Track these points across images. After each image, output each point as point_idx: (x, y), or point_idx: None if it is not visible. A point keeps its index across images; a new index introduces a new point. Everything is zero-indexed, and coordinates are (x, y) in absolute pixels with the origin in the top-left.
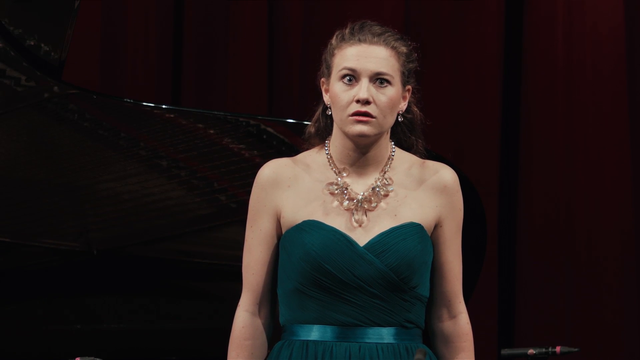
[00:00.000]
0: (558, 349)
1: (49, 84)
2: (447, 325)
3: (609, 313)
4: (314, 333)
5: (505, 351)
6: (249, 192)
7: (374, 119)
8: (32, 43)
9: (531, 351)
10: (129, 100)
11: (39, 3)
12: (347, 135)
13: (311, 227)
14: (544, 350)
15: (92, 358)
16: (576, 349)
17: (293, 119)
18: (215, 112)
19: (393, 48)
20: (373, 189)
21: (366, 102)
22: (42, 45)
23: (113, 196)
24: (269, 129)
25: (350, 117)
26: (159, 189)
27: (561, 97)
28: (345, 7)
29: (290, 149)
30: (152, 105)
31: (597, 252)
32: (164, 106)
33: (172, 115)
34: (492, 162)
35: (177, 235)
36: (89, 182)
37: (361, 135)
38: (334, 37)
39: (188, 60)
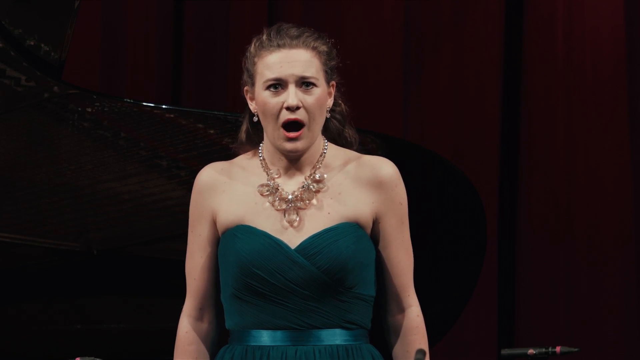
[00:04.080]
0: (558, 349)
1: (49, 84)
2: (397, 319)
3: (609, 313)
4: (254, 338)
5: (505, 351)
6: None
7: (304, 129)
8: (32, 43)
9: (531, 351)
10: (129, 100)
11: (39, 3)
12: (279, 149)
13: (242, 232)
14: (544, 350)
15: (92, 358)
16: (576, 349)
17: None
18: (215, 112)
19: (314, 48)
20: (304, 186)
21: (296, 108)
22: (42, 45)
23: (113, 196)
24: None
25: (282, 132)
26: (159, 189)
27: (561, 98)
28: (345, 7)
29: None
30: (152, 105)
31: (597, 252)
32: (164, 106)
33: (172, 115)
34: (492, 163)
35: (177, 235)
36: (89, 182)
37: (295, 151)
38: (252, 45)
39: (188, 60)
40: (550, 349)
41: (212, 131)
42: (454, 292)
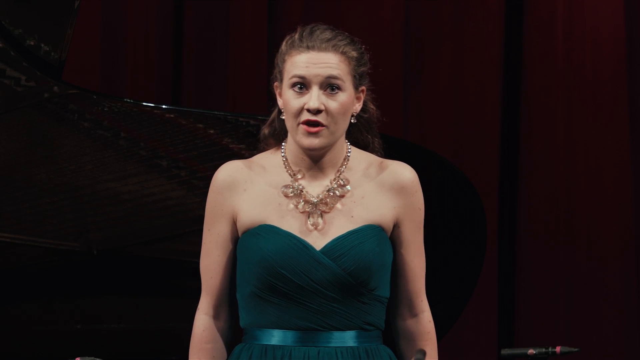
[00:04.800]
0: (558, 349)
1: (49, 84)
2: (409, 323)
3: (609, 313)
4: (273, 337)
5: (505, 351)
6: None
7: (324, 128)
8: (32, 43)
9: (531, 351)
10: (129, 100)
11: (39, 3)
12: (298, 144)
13: (266, 231)
14: (544, 350)
15: (92, 358)
16: (576, 349)
17: None
18: (215, 112)
19: (343, 53)
20: (328, 190)
21: (317, 112)
22: (42, 45)
23: (113, 196)
24: None
25: (301, 126)
26: (159, 189)
27: (561, 98)
28: (345, 7)
29: None
30: (152, 105)
31: (597, 252)
32: (164, 106)
33: (172, 115)
34: (492, 163)
35: (177, 235)
36: (89, 182)
37: (312, 149)
38: (284, 42)
39: (188, 60)
40: (550, 349)
41: (212, 131)
42: (454, 292)
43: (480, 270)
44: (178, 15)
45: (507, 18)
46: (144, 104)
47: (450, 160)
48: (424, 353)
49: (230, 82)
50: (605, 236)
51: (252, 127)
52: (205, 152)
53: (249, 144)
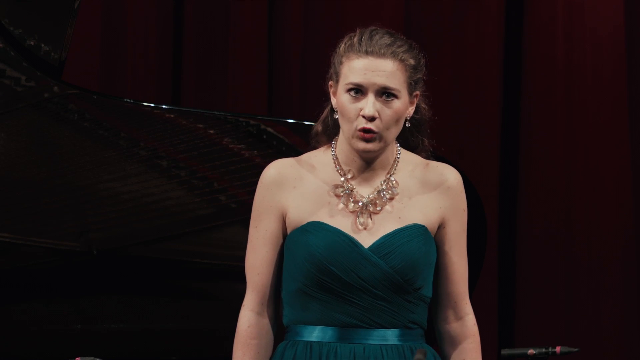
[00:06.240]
0: (558, 349)
1: (49, 84)
2: (453, 326)
3: (609, 313)
4: (317, 334)
5: (505, 351)
6: (249, 192)
7: (377, 134)
8: (32, 43)
9: (531, 351)
10: (129, 100)
11: (39, 3)
12: (352, 147)
13: (316, 228)
14: (544, 350)
15: (92, 358)
16: (576, 349)
17: (293, 119)
18: (215, 112)
19: (401, 61)
20: (379, 192)
21: (371, 119)
22: (42, 45)
23: (113, 196)
24: (269, 129)
25: (357, 132)
26: (159, 189)
27: (561, 98)
28: (345, 7)
29: (291, 149)
30: (152, 105)
31: (597, 252)
32: (164, 106)
33: (172, 115)
34: (492, 163)
35: (177, 235)
36: (89, 182)
37: (366, 152)
38: (343, 44)
39: (188, 60)
40: (550, 349)
41: (212, 131)
42: None
43: (480, 270)
44: (178, 15)
45: (508, 18)
46: (144, 104)
47: (450, 160)
48: (424, 353)
49: (230, 82)
50: (605, 236)
51: (252, 127)
52: (205, 152)
53: (249, 144)
